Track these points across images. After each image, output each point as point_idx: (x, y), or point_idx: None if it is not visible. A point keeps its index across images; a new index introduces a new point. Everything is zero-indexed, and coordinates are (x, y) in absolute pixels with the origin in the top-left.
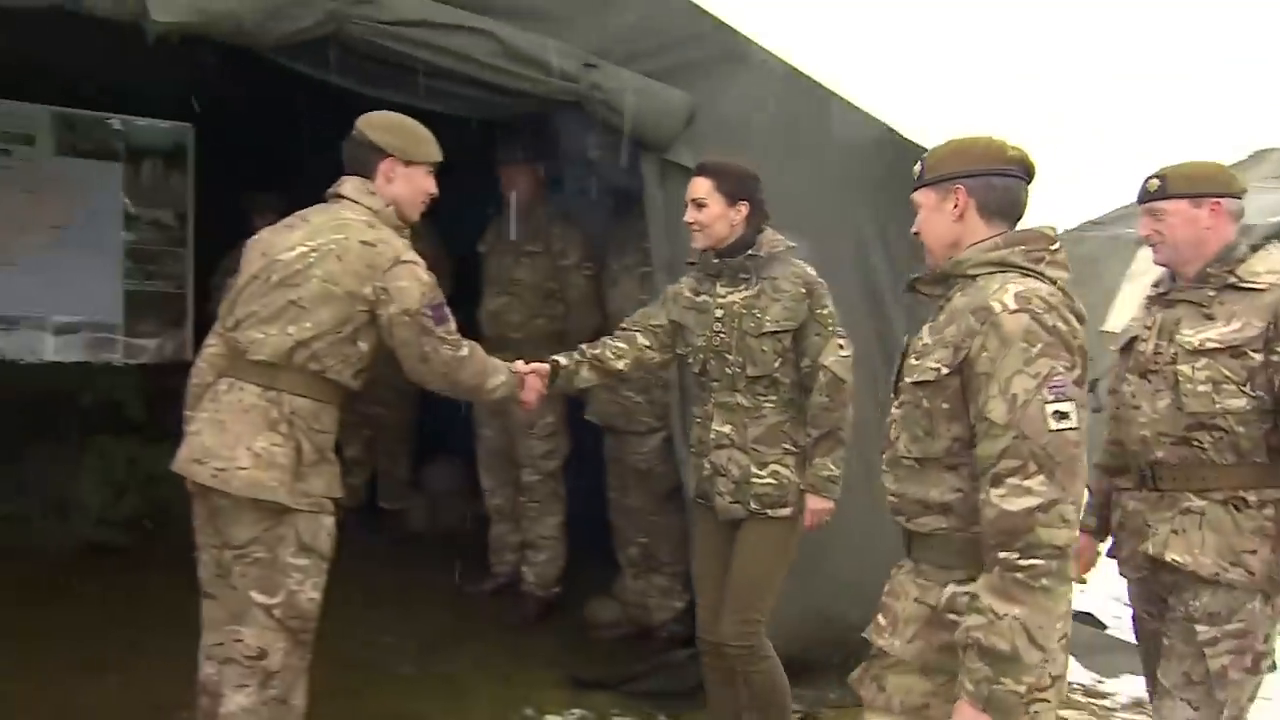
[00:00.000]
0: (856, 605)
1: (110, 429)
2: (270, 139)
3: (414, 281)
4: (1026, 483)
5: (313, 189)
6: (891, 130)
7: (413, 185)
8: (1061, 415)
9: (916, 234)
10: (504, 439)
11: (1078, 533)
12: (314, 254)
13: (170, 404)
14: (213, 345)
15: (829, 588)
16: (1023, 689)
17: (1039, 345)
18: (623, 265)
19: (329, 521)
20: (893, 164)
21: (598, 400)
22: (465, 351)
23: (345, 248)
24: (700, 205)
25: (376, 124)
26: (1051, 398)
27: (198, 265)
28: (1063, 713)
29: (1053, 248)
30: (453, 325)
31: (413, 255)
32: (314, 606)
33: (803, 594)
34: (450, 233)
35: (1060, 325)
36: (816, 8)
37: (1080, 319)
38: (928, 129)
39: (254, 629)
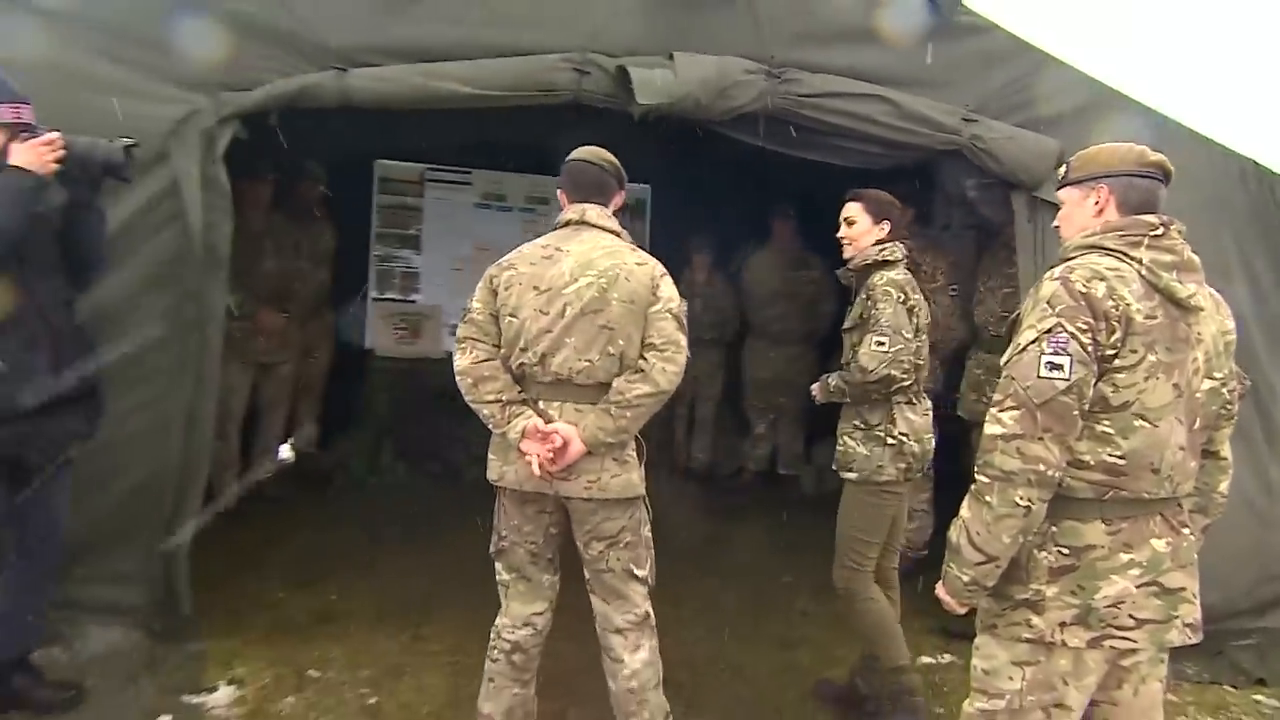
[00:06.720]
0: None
1: None
2: None
3: (673, 288)
4: (1002, 414)
5: None
6: (1256, 163)
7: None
8: (1054, 366)
9: (1056, 227)
10: None
11: (1044, 468)
12: (603, 279)
13: None
14: (502, 374)
15: None
16: (965, 578)
17: (1059, 306)
18: (987, 287)
19: None
20: (1255, 196)
21: (966, 400)
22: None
23: (629, 270)
24: (850, 223)
25: (609, 157)
26: (1050, 350)
27: None
28: None
29: (1154, 233)
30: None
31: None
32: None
33: None
34: None
35: (1095, 293)
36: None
37: (1170, 295)
38: None
39: (637, 598)
